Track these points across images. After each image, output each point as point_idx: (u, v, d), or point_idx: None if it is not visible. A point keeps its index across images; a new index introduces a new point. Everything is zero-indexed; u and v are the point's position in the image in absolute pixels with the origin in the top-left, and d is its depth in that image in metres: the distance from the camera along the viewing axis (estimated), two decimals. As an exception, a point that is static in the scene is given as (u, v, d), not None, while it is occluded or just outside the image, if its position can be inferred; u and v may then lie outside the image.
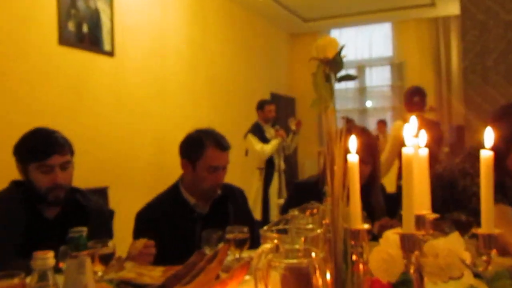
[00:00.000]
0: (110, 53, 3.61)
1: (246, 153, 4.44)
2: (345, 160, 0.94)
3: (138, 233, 1.67)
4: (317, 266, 0.74)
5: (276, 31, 7.03)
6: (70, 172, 1.55)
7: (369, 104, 7.34)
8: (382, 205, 1.77)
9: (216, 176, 1.72)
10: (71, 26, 3.27)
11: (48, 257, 0.82)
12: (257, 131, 4.33)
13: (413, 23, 6.95)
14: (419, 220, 0.83)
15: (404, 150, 0.77)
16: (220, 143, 1.73)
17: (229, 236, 1.38)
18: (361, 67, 7.22)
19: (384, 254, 0.83)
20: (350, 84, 7.17)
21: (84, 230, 0.87)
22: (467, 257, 0.79)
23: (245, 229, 1.39)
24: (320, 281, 0.74)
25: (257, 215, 4.12)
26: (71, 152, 1.57)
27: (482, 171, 0.77)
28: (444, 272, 0.78)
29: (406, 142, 0.77)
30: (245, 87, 5.80)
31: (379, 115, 6.91)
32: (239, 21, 5.77)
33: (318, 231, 0.80)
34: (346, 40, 7.15)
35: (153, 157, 4.05)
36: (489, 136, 0.78)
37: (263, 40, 6.54)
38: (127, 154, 3.77)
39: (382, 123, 6.54)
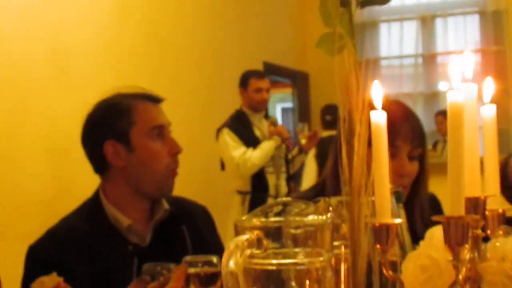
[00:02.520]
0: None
1: (222, 165, 4.61)
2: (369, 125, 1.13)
3: (32, 278, 1.83)
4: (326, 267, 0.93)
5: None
6: None
7: (443, 86, 7.54)
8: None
9: (169, 143, 1.94)
10: None
11: None
12: (239, 125, 4.53)
13: None
14: (477, 207, 1.03)
15: (450, 97, 0.97)
16: (146, 95, 1.99)
17: (190, 271, 1.56)
18: (428, 17, 7.45)
19: (425, 259, 1.03)
20: (408, 49, 7.37)
21: None
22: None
23: (215, 259, 1.57)
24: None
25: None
26: None
27: None
28: (512, 282, 0.98)
29: (453, 85, 0.96)
30: (215, 53, 5.99)
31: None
32: None
33: (325, 217, 0.99)
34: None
35: (47, 180, 4.16)
36: None
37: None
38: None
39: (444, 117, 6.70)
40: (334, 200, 1.19)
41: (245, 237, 0.93)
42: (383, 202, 1.07)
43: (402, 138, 1.83)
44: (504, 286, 0.99)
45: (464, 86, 1.03)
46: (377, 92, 1.07)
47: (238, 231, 0.98)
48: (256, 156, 4.44)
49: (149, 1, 5.20)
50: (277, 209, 1.02)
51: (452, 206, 0.96)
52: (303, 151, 4.93)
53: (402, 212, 1.48)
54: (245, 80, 4.68)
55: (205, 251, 1.85)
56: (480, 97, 1.12)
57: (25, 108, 4.04)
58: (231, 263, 0.91)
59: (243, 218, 1.00)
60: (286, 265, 0.95)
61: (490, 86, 1.11)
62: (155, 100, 2.00)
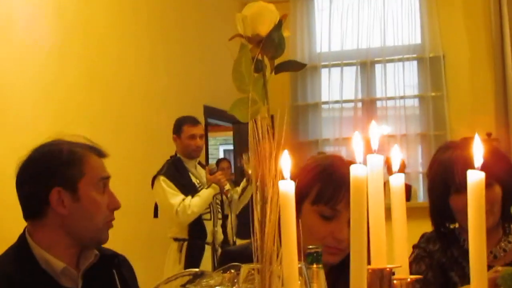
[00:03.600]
0: None
1: (156, 212, 4.57)
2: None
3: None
4: None
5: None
6: None
7: (385, 129, 7.61)
8: None
9: (109, 197, 1.97)
10: None
11: None
12: (175, 173, 4.52)
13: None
14: (382, 278, 1.03)
15: (353, 171, 0.97)
16: (95, 148, 2.02)
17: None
18: (368, 63, 7.59)
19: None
20: (347, 94, 7.48)
21: None
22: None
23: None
24: None
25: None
26: None
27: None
28: None
29: (356, 157, 0.97)
30: (157, 97, 5.99)
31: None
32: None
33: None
34: (341, 15, 7.54)
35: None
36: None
37: (196, 10, 6.82)
38: None
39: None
40: (246, 267, 1.18)
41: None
42: (291, 272, 1.06)
43: (345, 204, 1.72)
44: None
45: (370, 158, 1.04)
46: (287, 160, 1.06)
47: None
48: (195, 203, 4.44)
49: (89, 44, 5.17)
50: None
51: (353, 280, 0.96)
52: (250, 180, 4.86)
53: (321, 273, 1.47)
54: (178, 127, 4.71)
55: None
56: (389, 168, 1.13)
57: None
58: None
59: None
60: None
61: (397, 155, 1.12)
62: (102, 155, 2.03)
